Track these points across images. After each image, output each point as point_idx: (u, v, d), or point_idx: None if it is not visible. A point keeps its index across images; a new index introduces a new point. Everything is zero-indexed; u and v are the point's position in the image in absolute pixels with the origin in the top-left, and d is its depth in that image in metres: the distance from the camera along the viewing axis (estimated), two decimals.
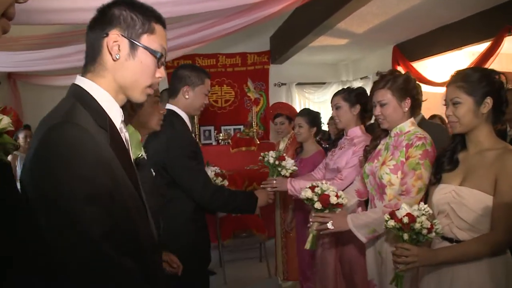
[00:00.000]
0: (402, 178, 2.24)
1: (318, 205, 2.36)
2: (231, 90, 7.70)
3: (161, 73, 1.33)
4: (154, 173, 2.35)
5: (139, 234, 1.24)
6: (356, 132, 2.92)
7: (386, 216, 1.87)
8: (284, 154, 3.06)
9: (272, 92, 7.85)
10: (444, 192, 1.94)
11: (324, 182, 2.43)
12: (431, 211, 1.84)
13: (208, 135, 7.46)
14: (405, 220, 1.77)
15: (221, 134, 7.00)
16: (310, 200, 2.39)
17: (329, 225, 2.33)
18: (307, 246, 2.47)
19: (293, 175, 3.04)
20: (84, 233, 1.06)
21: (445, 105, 1.96)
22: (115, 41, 1.23)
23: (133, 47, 1.26)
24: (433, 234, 1.78)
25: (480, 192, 1.79)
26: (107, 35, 1.23)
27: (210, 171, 3.18)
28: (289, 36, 6.34)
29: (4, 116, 0.90)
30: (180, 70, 2.53)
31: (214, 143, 7.23)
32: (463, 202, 1.83)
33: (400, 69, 6.31)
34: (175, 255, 2.08)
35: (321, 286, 3.13)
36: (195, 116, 6.20)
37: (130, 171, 1.28)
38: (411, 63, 6.31)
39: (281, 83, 7.97)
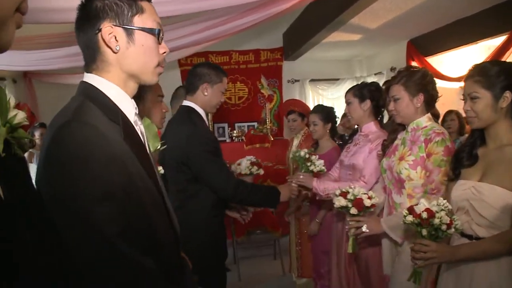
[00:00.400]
0: (427, 176, 2.22)
1: (354, 211, 2.37)
2: (245, 87, 7.69)
3: (164, 48, 1.30)
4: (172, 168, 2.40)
5: (157, 231, 1.22)
6: (371, 128, 2.91)
7: (405, 211, 1.85)
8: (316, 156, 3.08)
9: (286, 89, 7.83)
10: (463, 188, 1.89)
11: (352, 186, 2.44)
12: (450, 207, 1.80)
13: (222, 132, 7.46)
14: (424, 215, 1.75)
15: (234, 131, 7.00)
16: (345, 207, 2.40)
17: (364, 229, 2.37)
18: (349, 249, 2.49)
19: (317, 174, 3.05)
20: (99, 233, 1.04)
21: (463, 99, 1.92)
22: (110, 33, 1.19)
23: (129, 33, 1.22)
24: (452, 230, 1.75)
25: (500, 188, 1.74)
26: (99, 30, 1.19)
27: (246, 160, 3.33)
28: (302, 33, 6.31)
29: (19, 111, 0.91)
30: (198, 68, 2.55)
31: (228, 140, 7.23)
32: (483, 198, 1.79)
33: (415, 64, 6.25)
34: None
35: (336, 283, 3.13)
36: (209, 114, 6.20)
37: (147, 165, 1.26)
38: (425, 58, 6.24)
39: (295, 80, 7.94)
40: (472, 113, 1.86)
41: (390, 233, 2.31)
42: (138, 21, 1.23)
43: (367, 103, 2.89)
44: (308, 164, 2.98)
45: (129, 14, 1.22)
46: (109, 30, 1.19)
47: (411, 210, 1.82)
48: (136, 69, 1.26)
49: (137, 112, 1.33)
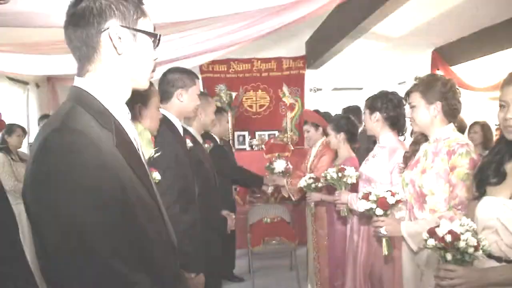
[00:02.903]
0: (451, 191, 2.12)
1: (379, 211, 2.32)
2: (266, 95, 7.64)
3: (155, 54, 1.29)
4: None
5: (151, 243, 1.15)
6: (388, 139, 2.85)
7: (425, 235, 1.66)
8: (343, 166, 3.14)
9: (308, 98, 7.74)
10: (492, 206, 1.71)
11: (373, 186, 2.39)
12: (475, 226, 1.62)
13: (242, 140, 7.41)
14: (448, 238, 1.56)
15: (255, 140, 6.94)
16: (370, 209, 2.35)
17: (382, 230, 2.32)
18: (384, 251, 2.42)
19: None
20: (92, 250, 0.97)
21: (501, 105, 1.69)
22: (116, 33, 1.16)
23: (134, 35, 1.19)
24: (480, 252, 1.56)
25: None
26: (105, 29, 1.15)
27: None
28: (325, 40, 6.23)
29: None
30: (170, 74, 2.48)
31: (248, 149, 7.17)
32: None
33: (440, 73, 6.11)
34: None
35: None
36: (230, 121, 6.17)
37: (141, 173, 1.20)
38: (451, 67, 6.09)
39: (317, 89, 7.86)
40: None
41: (407, 239, 2.23)
42: (142, 24, 1.22)
43: (377, 115, 2.86)
44: (345, 180, 3.01)
45: (134, 17, 1.20)
46: (116, 30, 1.15)
47: (432, 233, 1.63)
48: (136, 72, 1.24)
49: (130, 118, 1.29)
